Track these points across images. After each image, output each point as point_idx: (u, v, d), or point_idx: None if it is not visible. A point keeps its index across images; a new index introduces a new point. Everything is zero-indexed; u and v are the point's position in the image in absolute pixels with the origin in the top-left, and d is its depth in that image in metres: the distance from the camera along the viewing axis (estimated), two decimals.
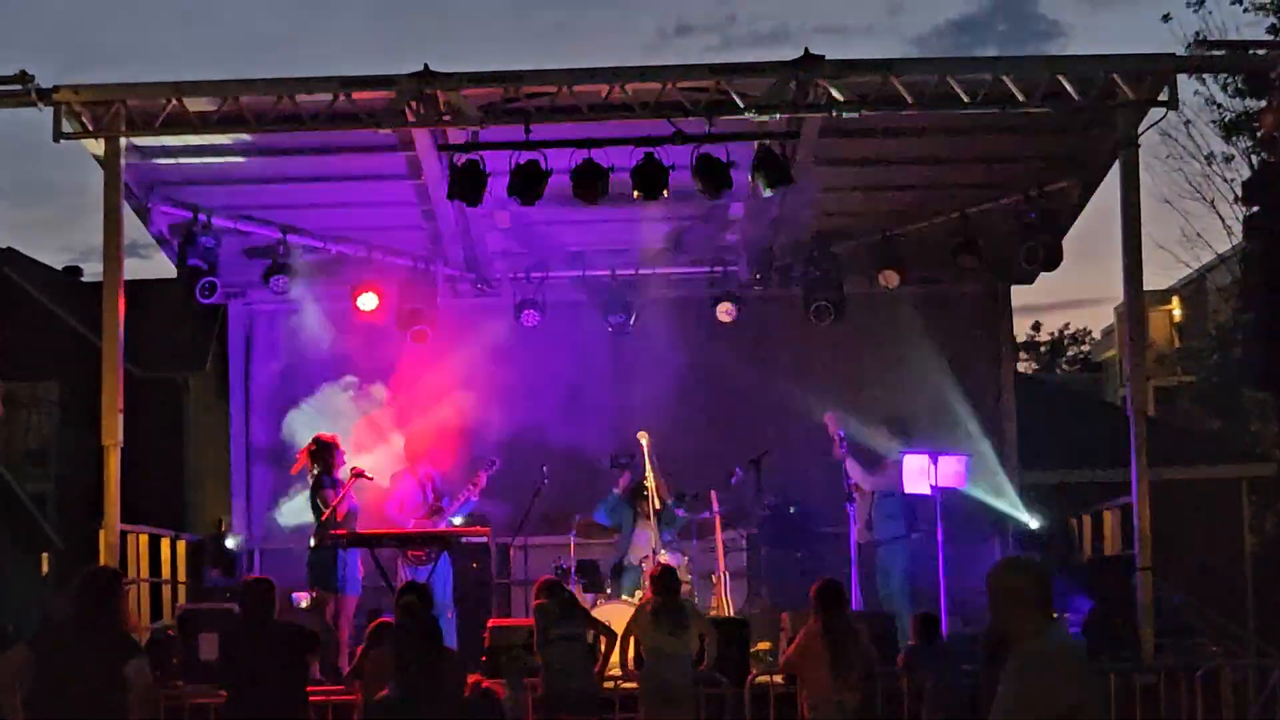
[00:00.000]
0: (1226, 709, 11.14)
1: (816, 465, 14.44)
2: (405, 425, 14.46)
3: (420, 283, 15.51)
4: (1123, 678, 11.02)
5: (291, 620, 10.22)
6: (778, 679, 10.84)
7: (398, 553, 12.67)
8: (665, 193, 11.96)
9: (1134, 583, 11.95)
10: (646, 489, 13.22)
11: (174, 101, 12.16)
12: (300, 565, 12.56)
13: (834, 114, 12.16)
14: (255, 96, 12.19)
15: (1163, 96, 12.13)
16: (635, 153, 11.84)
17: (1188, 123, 26.16)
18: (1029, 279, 16.17)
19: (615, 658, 10.42)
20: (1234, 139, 26.06)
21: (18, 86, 11.89)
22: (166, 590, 14.71)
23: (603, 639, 10.36)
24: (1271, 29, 25.24)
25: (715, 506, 13.53)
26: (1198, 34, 24.37)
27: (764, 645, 12.67)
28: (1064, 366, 48.99)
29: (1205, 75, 22.70)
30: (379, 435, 14.38)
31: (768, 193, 12.49)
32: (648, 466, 13.31)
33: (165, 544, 14.56)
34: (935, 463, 12.89)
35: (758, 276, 16.15)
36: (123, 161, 12.36)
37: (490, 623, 12.22)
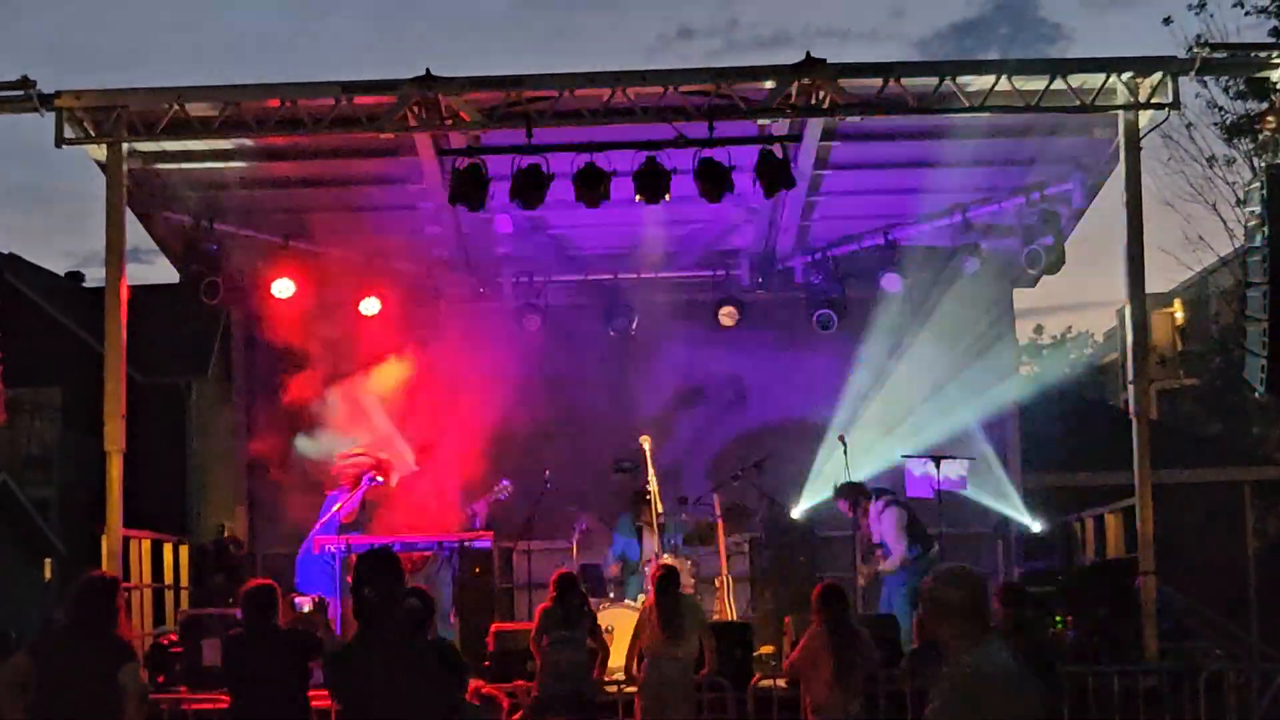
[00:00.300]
0: (1230, 713, 11.12)
1: (819, 468, 14.43)
2: (406, 430, 14.45)
3: (422, 287, 15.53)
4: (1126, 681, 11.01)
5: (294, 625, 10.21)
6: (780, 683, 10.83)
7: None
8: (667, 196, 11.97)
9: (1137, 586, 11.93)
10: (649, 494, 13.20)
11: (176, 106, 12.18)
12: (303, 568, 12.57)
13: (835, 117, 12.17)
14: (256, 101, 12.21)
15: (1164, 99, 12.14)
16: (637, 156, 11.84)
17: (1189, 125, 26.13)
18: (1031, 282, 16.18)
19: (617, 661, 10.41)
20: (1235, 141, 26.04)
21: (20, 92, 11.91)
22: (169, 595, 14.70)
23: (599, 650, 10.32)
24: (1273, 31, 25.21)
25: (718, 511, 13.52)
26: (1199, 36, 24.32)
27: (767, 649, 12.66)
28: (1067, 370, 48.93)
29: (1206, 78, 22.66)
30: (380, 441, 14.37)
31: (769, 196, 12.49)
32: (650, 471, 13.30)
33: (168, 549, 14.57)
34: (937, 466, 12.89)
35: (759, 280, 16.16)
36: (125, 166, 12.38)
37: (493, 628, 12.21)
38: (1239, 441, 26.51)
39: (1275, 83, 12.27)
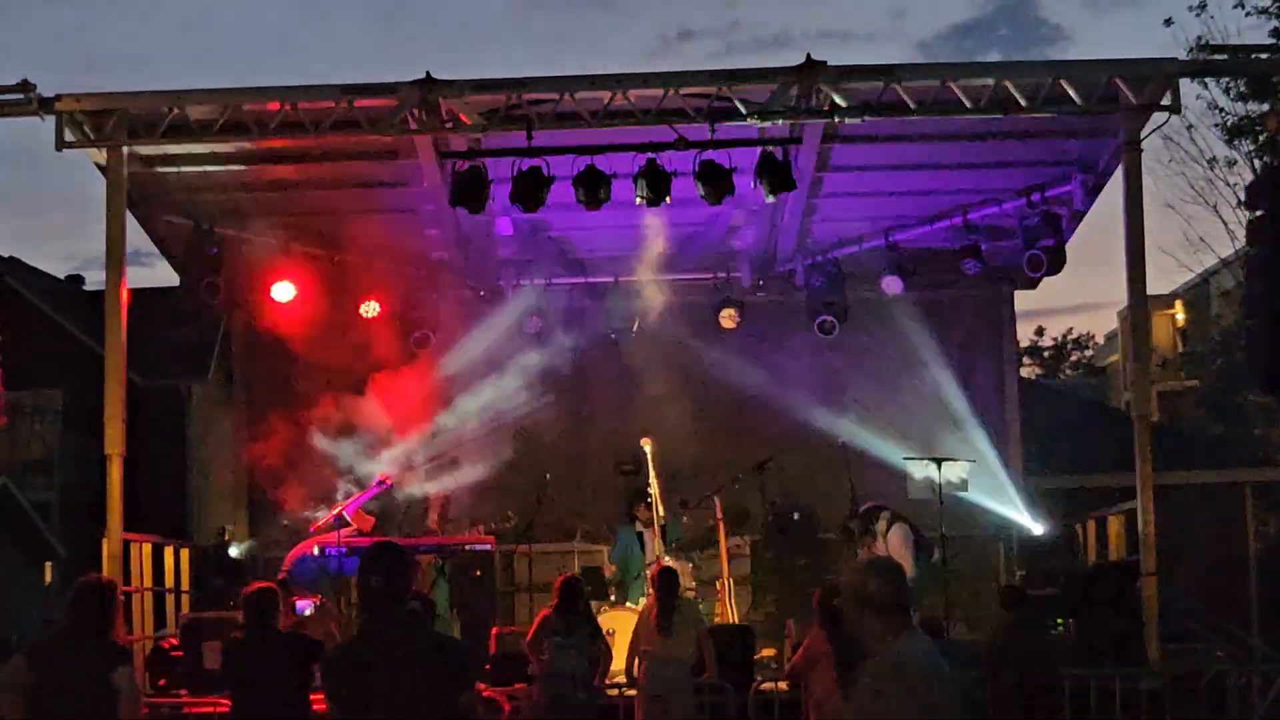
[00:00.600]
0: (1231, 714, 11.10)
1: (820, 471, 14.42)
2: (406, 432, 14.44)
3: (423, 290, 15.51)
4: (1128, 683, 10.99)
5: (295, 628, 10.20)
6: (782, 686, 10.81)
7: None
8: (668, 199, 11.96)
9: (1138, 588, 11.92)
10: (649, 496, 13.18)
11: (176, 109, 12.17)
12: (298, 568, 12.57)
13: (836, 119, 12.16)
14: (257, 104, 12.19)
15: (1165, 101, 12.12)
16: (638, 159, 11.83)
17: (1190, 127, 26.08)
18: (1032, 284, 16.16)
19: (618, 664, 10.40)
20: (1236, 143, 26.00)
21: (20, 96, 11.91)
22: (170, 599, 14.67)
23: (600, 656, 10.29)
24: (1274, 33, 25.16)
25: (719, 513, 13.50)
26: (1200, 38, 24.36)
27: (768, 652, 12.64)
28: (1067, 371, 48.92)
29: (1207, 79, 22.66)
30: (381, 441, 14.37)
31: (770, 198, 12.48)
32: (651, 473, 13.28)
33: (168, 552, 14.52)
34: (939, 468, 12.87)
35: (760, 282, 16.15)
36: (125, 170, 12.37)
37: (494, 630, 12.20)
38: (1240, 443, 26.47)
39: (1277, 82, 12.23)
